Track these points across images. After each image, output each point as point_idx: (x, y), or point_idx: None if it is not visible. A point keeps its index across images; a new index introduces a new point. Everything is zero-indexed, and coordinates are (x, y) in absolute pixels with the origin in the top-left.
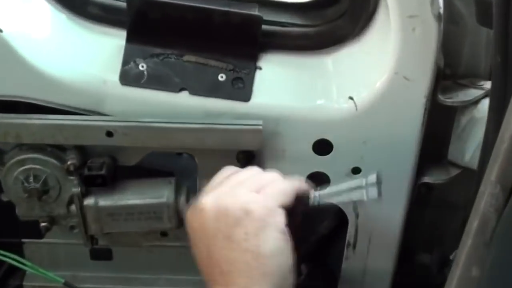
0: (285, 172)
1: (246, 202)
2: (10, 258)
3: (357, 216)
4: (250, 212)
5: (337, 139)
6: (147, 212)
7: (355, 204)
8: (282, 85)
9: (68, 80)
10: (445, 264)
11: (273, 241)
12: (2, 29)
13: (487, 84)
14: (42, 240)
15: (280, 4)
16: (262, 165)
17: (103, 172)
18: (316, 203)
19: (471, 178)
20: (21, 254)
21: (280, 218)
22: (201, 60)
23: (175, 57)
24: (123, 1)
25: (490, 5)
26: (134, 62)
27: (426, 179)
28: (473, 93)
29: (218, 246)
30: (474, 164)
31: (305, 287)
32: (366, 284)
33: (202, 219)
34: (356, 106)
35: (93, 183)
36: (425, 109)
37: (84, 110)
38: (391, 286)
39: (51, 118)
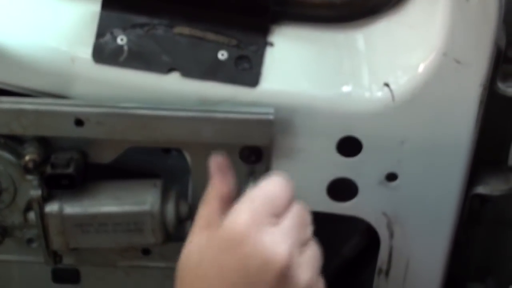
0: (301, 177)
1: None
2: None
3: (391, 235)
4: None
5: (368, 137)
6: (125, 223)
7: (389, 220)
8: (299, 67)
9: (27, 56)
10: None
11: None
12: None
13: None
14: None
15: None
16: (270, 166)
17: (70, 170)
18: None
19: None
20: None
21: None
22: (196, 32)
23: (164, 29)
24: None
25: None
26: (111, 34)
27: (480, 190)
28: None
29: None
30: None
31: None
32: None
33: (237, 255)
34: (393, 95)
35: (57, 185)
36: (481, 100)
37: (47, 93)
38: None
39: (5, 102)
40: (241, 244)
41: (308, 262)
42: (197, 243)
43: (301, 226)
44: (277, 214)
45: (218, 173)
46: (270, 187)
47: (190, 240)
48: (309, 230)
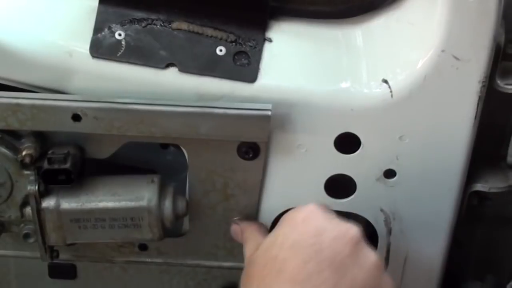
0: (299, 174)
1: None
2: None
3: (389, 232)
4: None
5: (366, 133)
6: (122, 219)
7: (387, 216)
8: (298, 63)
9: (25, 50)
10: None
11: None
12: None
13: None
14: None
15: None
16: (268, 162)
17: (67, 166)
18: None
19: None
20: None
21: None
22: (194, 28)
23: (162, 24)
24: None
25: None
26: (109, 29)
27: (479, 187)
28: None
29: None
30: None
31: None
32: None
33: (311, 229)
34: (391, 91)
35: (54, 180)
36: (480, 97)
37: (44, 88)
38: None
39: (2, 96)
40: (312, 220)
41: (374, 253)
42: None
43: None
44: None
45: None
46: None
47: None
48: None
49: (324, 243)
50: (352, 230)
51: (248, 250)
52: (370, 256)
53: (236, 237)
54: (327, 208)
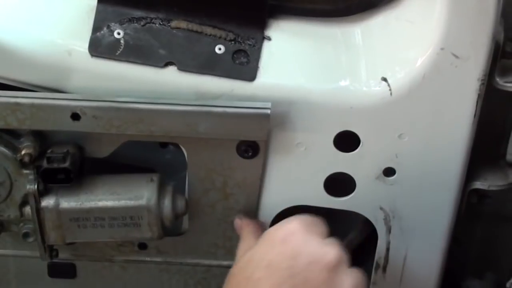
0: (298, 172)
1: None
2: None
3: (389, 230)
4: None
5: (366, 131)
6: (121, 218)
7: (387, 215)
8: (297, 61)
9: (23, 50)
10: None
11: None
12: None
13: None
14: None
15: None
16: (267, 160)
17: (66, 165)
18: None
19: None
20: None
21: None
22: (193, 27)
23: (161, 23)
24: None
25: None
26: (108, 27)
27: (478, 185)
28: None
29: None
30: None
31: None
32: None
33: (287, 252)
34: (390, 89)
35: (53, 179)
36: (479, 95)
37: (43, 87)
38: None
39: (1, 95)
40: (290, 242)
41: (354, 276)
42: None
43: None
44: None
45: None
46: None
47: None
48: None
49: (299, 268)
50: (330, 254)
51: (239, 251)
52: (347, 281)
53: (237, 231)
54: (313, 223)
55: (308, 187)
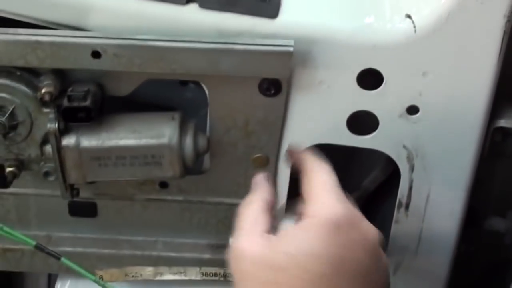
0: (320, 110)
1: None
2: None
3: (411, 168)
4: None
5: (389, 69)
6: (143, 156)
7: (410, 153)
8: None
9: None
10: None
11: None
12: None
13: None
14: (7, 190)
15: None
16: (289, 99)
17: (87, 103)
18: None
19: None
20: None
21: None
22: None
23: None
24: None
25: None
26: None
27: (502, 123)
28: None
29: None
30: None
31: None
32: (421, 253)
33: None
34: (415, 27)
35: (74, 118)
36: (505, 32)
37: (64, 25)
38: (453, 257)
39: (22, 33)
40: (238, 262)
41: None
42: (258, 248)
43: None
44: None
45: (262, 182)
46: None
47: (241, 247)
48: None
49: None
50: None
51: (239, 233)
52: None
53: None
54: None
55: (331, 125)
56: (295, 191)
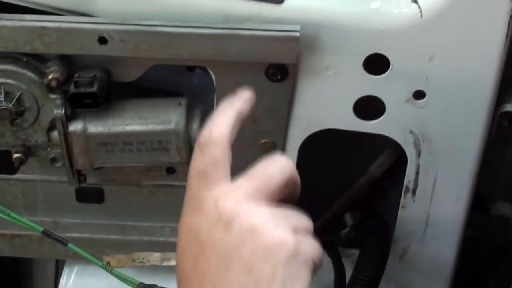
0: (327, 95)
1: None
2: None
3: (418, 153)
4: None
5: (396, 54)
6: (150, 142)
7: (417, 138)
8: None
9: None
10: None
11: None
12: None
13: None
14: (14, 177)
15: None
16: (296, 84)
17: (93, 89)
18: None
19: None
20: None
21: None
22: None
23: None
24: None
25: None
26: None
27: (509, 108)
28: None
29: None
30: None
31: (350, 241)
32: (428, 238)
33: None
34: (421, 11)
35: (81, 104)
36: (511, 16)
37: (70, 11)
38: (460, 242)
39: (28, 19)
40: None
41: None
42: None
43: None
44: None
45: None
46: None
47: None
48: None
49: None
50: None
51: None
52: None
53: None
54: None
55: (337, 111)
56: None
